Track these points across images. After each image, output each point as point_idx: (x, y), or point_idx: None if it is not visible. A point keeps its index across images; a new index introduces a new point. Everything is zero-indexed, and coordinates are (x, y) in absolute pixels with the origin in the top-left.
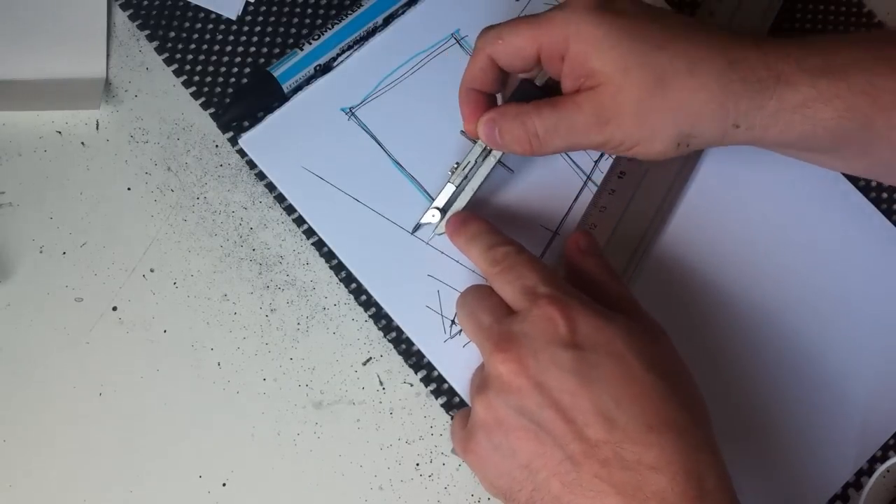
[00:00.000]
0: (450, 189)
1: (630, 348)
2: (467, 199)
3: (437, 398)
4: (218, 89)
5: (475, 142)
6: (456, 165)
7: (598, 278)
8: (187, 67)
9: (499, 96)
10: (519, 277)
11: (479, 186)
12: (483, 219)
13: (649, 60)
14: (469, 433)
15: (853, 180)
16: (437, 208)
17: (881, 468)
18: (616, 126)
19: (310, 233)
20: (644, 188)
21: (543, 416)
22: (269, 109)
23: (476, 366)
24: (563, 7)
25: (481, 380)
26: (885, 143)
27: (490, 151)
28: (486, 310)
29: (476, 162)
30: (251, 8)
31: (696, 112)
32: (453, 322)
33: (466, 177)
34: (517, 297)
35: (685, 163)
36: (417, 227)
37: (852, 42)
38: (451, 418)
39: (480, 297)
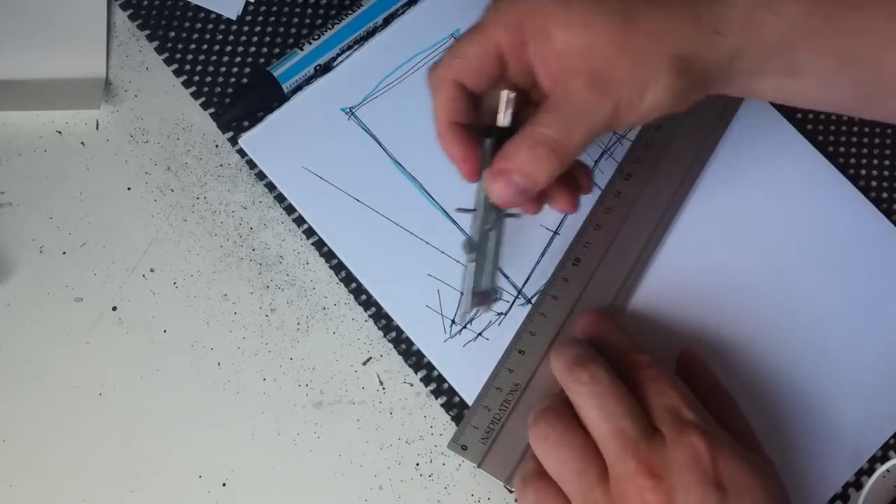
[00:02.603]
0: (472, 268)
1: (769, 498)
2: (493, 268)
3: (437, 398)
4: (218, 89)
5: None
6: (467, 240)
7: (726, 406)
8: (187, 67)
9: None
10: (661, 393)
11: (500, 247)
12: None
13: (605, 6)
14: None
15: (853, 180)
16: (474, 293)
17: (880, 469)
18: (613, 81)
19: (310, 233)
20: (649, 192)
21: None
22: (269, 109)
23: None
24: None
25: (621, 493)
26: (858, 48)
27: (497, 210)
28: (631, 416)
29: (485, 229)
30: (251, 8)
31: (674, 31)
32: (453, 322)
33: (482, 250)
34: (661, 414)
35: (691, 166)
36: (468, 319)
37: None
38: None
39: (621, 396)
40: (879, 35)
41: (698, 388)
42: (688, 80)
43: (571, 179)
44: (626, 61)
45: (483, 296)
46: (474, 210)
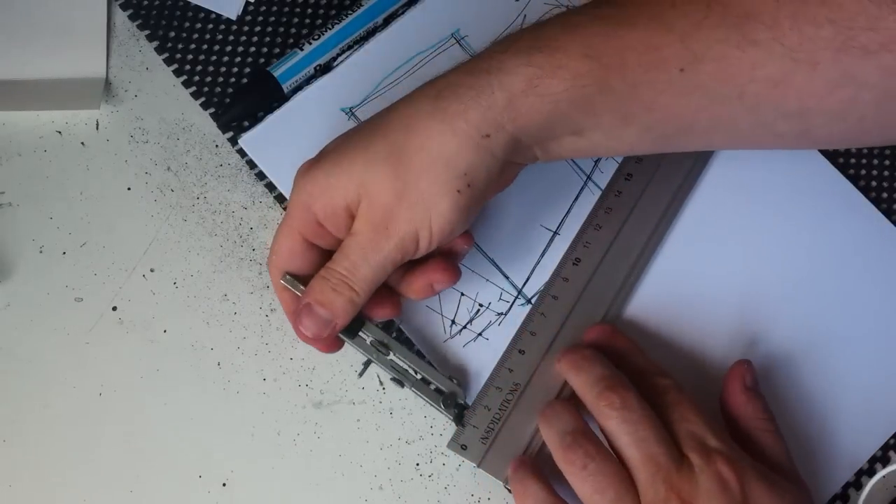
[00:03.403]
0: (417, 391)
1: None
2: (432, 370)
3: None
4: (218, 89)
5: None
6: (392, 379)
7: (762, 426)
8: (187, 67)
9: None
10: (685, 419)
11: (415, 356)
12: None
13: (375, 155)
14: None
15: (853, 181)
16: (444, 404)
17: (879, 474)
18: (393, 223)
19: None
20: (650, 191)
21: None
22: (269, 109)
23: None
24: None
25: None
26: (634, 102)
27: (371, 345)
28: (661, 442)
29: (374, 354)
30: (251, 8)
31: (440, 151)
32: (453, 322)
33: (407, 377)
34: (686, 440)
35: (692, 166)
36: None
37: (562, 14)
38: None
39: (651, 422)
40: (652, 86)
41: (747, 412)
42: (472, 192)
43: (446, 255)
44: (404, 203)
45: (449, 396)
46: (370, 361)
